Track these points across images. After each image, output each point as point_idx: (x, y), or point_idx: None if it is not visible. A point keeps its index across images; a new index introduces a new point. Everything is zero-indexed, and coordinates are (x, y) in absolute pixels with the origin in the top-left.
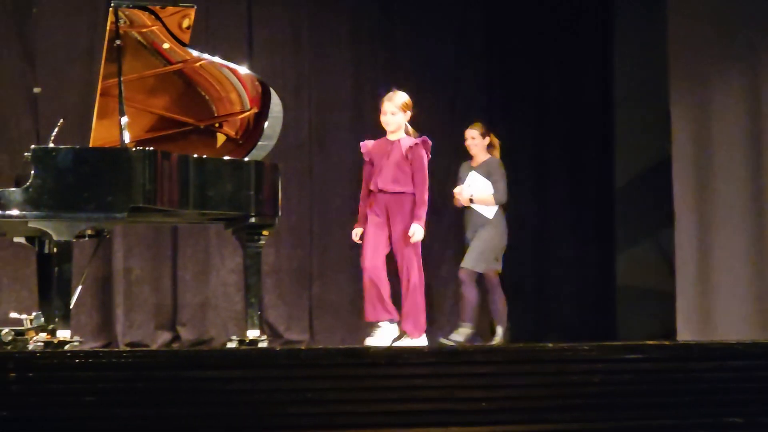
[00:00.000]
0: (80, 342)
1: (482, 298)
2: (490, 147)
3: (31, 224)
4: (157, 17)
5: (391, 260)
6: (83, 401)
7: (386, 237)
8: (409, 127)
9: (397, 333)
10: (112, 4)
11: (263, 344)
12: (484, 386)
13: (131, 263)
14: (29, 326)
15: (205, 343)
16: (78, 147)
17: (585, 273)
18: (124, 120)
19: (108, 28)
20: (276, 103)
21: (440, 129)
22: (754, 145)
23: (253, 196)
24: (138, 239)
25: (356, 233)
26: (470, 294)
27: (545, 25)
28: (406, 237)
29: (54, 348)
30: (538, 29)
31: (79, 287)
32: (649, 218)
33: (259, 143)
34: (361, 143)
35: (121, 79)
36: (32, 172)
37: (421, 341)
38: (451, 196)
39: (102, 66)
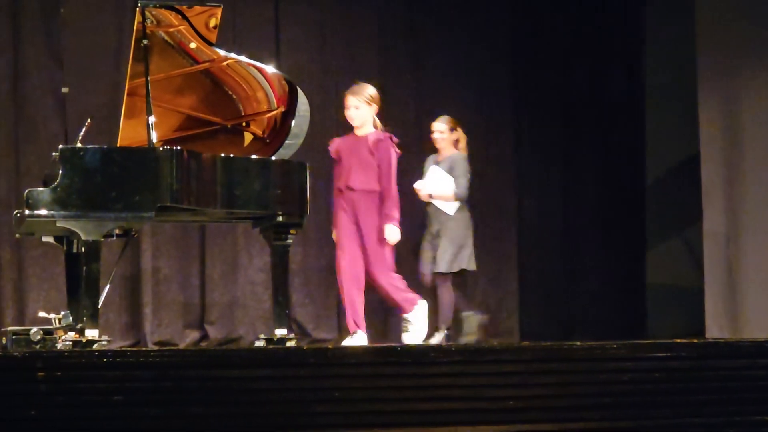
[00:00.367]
0: (108, 341)
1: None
2: (457, 141)
3: (59, 224)
4: (184, 17)
5: None
6: (111, 401)
7: (356, 236)
8: (377, 121)
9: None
10: (139, 4)
11: (291, 343)
12: (512, 385)
13: (159, 262)
14: (58, 325)
15: (233, 342)
16: (106, 147)
17: (614, 271)
18: (152, 119)
19: (135, 27)
20: (303, 102)
21: (467, 128)
22: None
23: (280, 194)
24: (166, 238)
25: (336, 236)
26: (447, 296)
27: (573, 21)
28: (376, 236)
29: (82, 347)
30: (566, 26)
31: (108, 286)
32: (678, 215)
33: (287, 142)
34: (331, 141)
35: (149, 78)
36: (60, 171)
37: (422, 307)
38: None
39: (129, 66)
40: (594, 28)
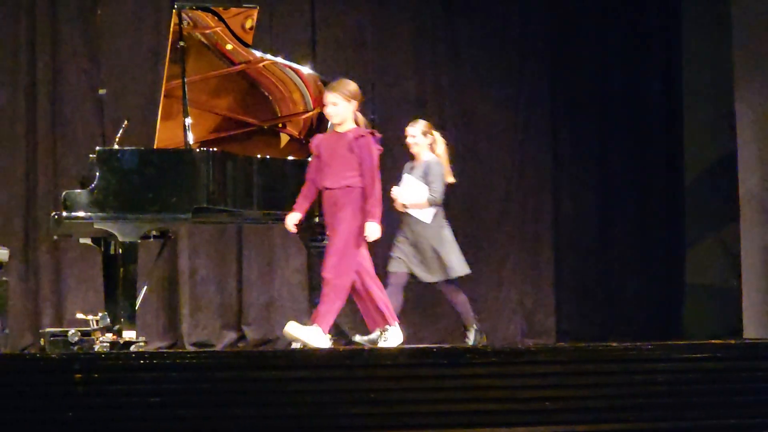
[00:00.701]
0: (145, 342)
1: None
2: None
3: (96, 225)
4: (221, 18)
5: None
6: (148, 402)
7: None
8: (360, 116)
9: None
10: (176, 6)
11: (328, 344)
12: (548, 386)
13: (196, 263)
14: (95, 327)
15: (270, 343)
16: (142, 148)
17: (650, 271)
18: (188, 121)
19: (171, 29)
20: None
21: (503, 128)
22: None
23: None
24: (203, 239)
25: (290, 219)
26: (460, 298)
27: (609, 22)
28: (347, 232)
29: (120, 348)
30: (602, 27)
31: (145, 288)
32: (715, 215)
33: None
34: (313, 138)
35: (185, 80)
36: (97, 173)
37: (395, 331)
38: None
39: (166, 67)
40: (630, 29)
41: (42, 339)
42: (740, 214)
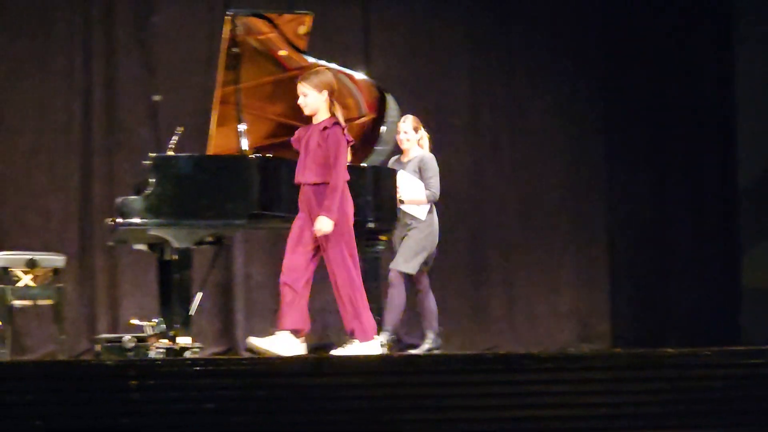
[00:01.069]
0: (200, 348)
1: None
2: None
3: (151, 232)
4: (274, 25)
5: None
6: (203, 409)
7: (311, 235)
8: (337, 107)
9: (300, 347)
10: (230, 12)
11: (383, 349)
12: (604, 392)
13: (251, 269)
14: (150, 333)
15: (324, 348)
16: (197, 155)
17: (707, 275)
18: (242, 127)
19: (225, 36)
20: (393, 108)
21: (557, 134)
22: None
23: (371, 201)
24: (258, 245)
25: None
26: (399, 297)
27: (663, 28)
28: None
29: (175, 354)
30: (656, 32)
31: (200, 293)
32: None
33: (377, 148)
34: (296, 132)
35: (239, 86)
36: (152, 180)
37: (373, 345)
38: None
39: (220, 74)
40: (684, 34)
41: (97, 345)
42: None
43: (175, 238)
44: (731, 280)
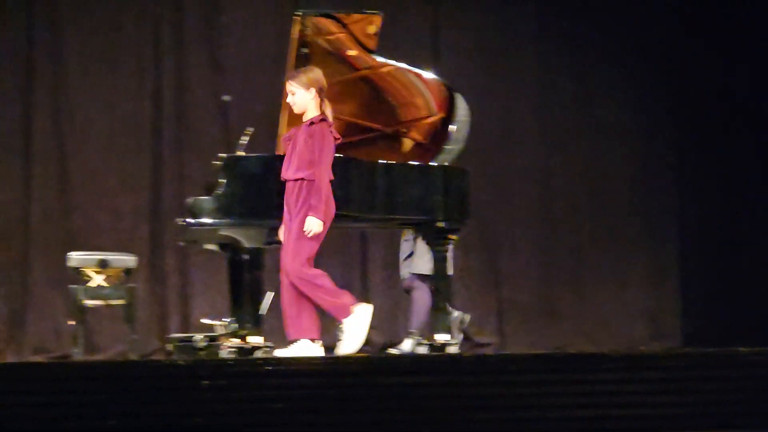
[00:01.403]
0: (271, 347)
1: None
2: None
3: (221, 232)
4: (343, 25)
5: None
6: (274, 408)
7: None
8: (327, 105)
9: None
10: (299, 13)
11: (452, 348)
12: (674, 391)
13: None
14: (222, 332)
15: (395, 346)
16: (267, 155)
17: None
18: None
19: (294, 36)
20: (462, 107)
21: (627, 132)
22: None
23: (441, 200)
24: (327, 244)
25: (281, 232)
26: (423, 299)
27: (734, 25)
28: (299, 227)
29: (246, 353)
30: (726, 29)
31: (271, 293)
32: None
33: (446, 147)
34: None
35: None
36: (223, 180)
37: (312, 346)
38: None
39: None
40: (757, 30)
41: (169, 345)
42: None
43: (246, 238)
44: None
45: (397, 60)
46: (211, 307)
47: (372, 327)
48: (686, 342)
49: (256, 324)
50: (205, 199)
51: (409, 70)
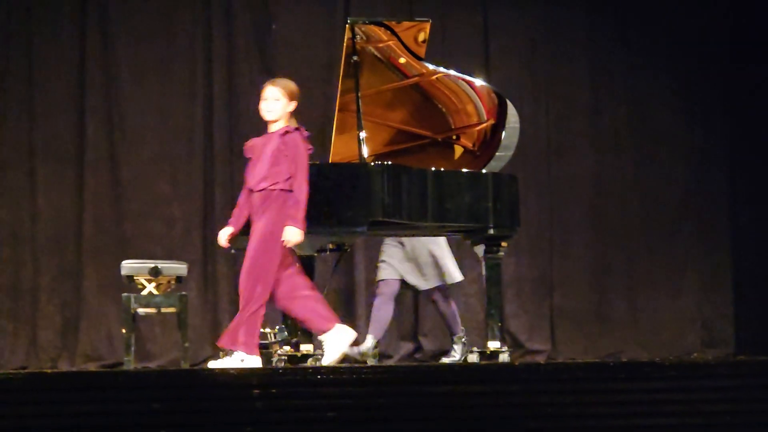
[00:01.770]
0: (322, 355)
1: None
2: None
3: None
4: (393, 32)
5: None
6: (325, 417)
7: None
8: (294, 121)
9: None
10: (349, 21)
11: (504, 356)
12: (728, 400)
13: (372, 275)
14: (273, 340)
15: (446, 354)
16: (318, 162)
17: None
18: (363, 134)
19: (345, 44)
20: (512, 114)
21: (680, 136)
22: None
23: (491, 207)
24: (379, 251)
25: (222, 234)
26: (451, 308)
27: None
28: (260, 236)
29: (297, 361)
30: None
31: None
32: None
33: (497, 154)
34: (248, 141)
35: (359, 94)
36: None
37: (254, 359)
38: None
39: (340, 81)
40: None
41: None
42: None
43: (298, 246)
44: None
45: (447, 67)
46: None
47: (423, 335)
48: (739, 349)
49: (307, 332)
50: None
51: (459, 77)
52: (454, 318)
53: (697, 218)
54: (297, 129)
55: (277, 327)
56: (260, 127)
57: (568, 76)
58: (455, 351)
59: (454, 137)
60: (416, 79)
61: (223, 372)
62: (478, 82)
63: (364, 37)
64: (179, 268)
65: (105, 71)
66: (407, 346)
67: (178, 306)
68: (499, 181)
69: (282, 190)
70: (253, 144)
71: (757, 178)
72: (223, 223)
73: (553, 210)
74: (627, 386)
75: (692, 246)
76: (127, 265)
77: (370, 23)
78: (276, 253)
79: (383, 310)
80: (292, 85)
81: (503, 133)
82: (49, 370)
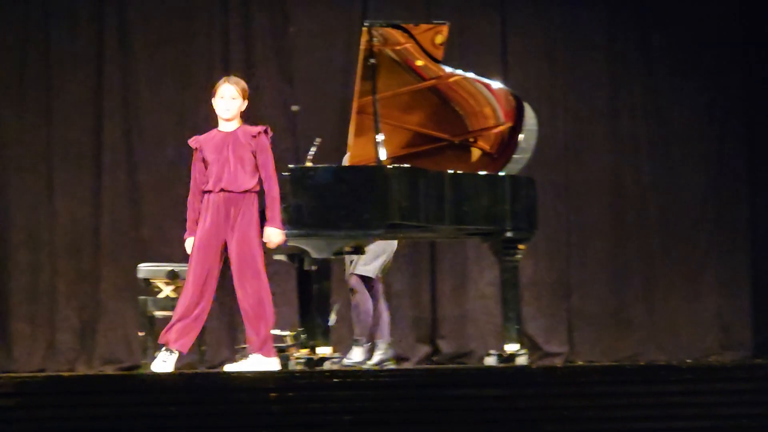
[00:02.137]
0: (340, 358)
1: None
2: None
3: (290, 243)
4: (410, 35)
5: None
6: (342, 420)
7: (221, 246)
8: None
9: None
10: (366, 23)
11: (522, 358)
12: (744, 403)
13: (390, 278)
14: (290, 343)
15: (464, 356)
16: (335, 165)
17: None
18: (380, 137)
19: (362, 46)
20: (530, 117)
21: (698, 138)
22: None
23: (508, 210)
24: (396, 254)
25: (189, 244)
26: (365, 302)
27: None
28: (249, 241)
29: (314, 364)
30: None
31: (337, 304)
32: None
33: (514, 157)
34: (192, 139)
35: (376, 96)
36: (291, 191)
37: (273, 363)
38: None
39: (357, 84)
40: None
41: (238, 355)
42: None
43: (314, 249)
44: None
45: (464, 69)
46: (280, 318)
47: (441, 337)
48: (757, 352)
49: (324, 334)
50: None
51: (477, 80)
52: (372, 317)
53: (715, 221)
54: (266, 129)
55: (295, 330)
56: (280, 129)
57: (587, 79)
58: (356, 353)
59: (472, 140)
60: (433, 81)
61: (240, 375)
62: (496, 84)
63: (382, 40)
64: None
65: (123, 75)
66: (425, 349)
67: None
68: (516, 184)
69: (253, 191)
70: (202, 143)
71: None
72: None
73: (570, 212)
74: (644, 389)
75: (710, 248)
76: (144, 269)
77: (388, 26)
78: (262, 253)
79: (363, 310)
80: (245, 85)
81: (521, 135)
82: (66, 373)
